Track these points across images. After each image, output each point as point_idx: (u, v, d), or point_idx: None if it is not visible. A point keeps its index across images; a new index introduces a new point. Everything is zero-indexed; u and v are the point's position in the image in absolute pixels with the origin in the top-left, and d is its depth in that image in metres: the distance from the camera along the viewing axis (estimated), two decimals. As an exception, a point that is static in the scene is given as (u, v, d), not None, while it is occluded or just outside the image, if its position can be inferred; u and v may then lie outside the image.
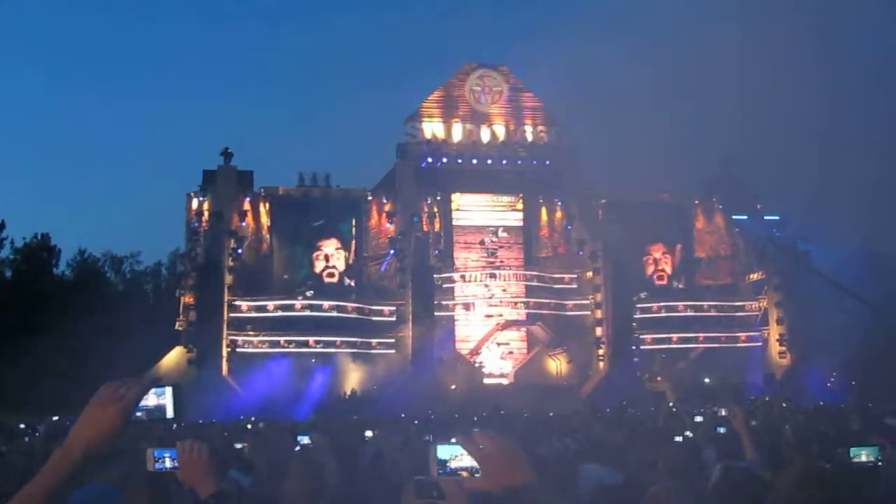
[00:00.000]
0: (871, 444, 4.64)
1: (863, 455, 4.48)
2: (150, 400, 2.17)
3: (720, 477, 4.23)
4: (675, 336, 42.40)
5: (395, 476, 5.37)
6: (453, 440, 2.24)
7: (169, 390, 2.22)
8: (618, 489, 4.21)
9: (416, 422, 19.22)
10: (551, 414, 20.14)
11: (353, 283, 41.78)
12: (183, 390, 2.27)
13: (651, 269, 44.48)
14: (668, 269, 44.81)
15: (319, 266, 41.59)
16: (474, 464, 2.18)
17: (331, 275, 41.53)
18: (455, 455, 2.23)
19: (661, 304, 42.93)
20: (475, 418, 22.09)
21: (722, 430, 8.38)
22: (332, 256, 41.73)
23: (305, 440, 7.93)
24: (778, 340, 42.12)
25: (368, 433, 11.23)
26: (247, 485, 5.44)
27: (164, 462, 3.36)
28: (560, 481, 4.24)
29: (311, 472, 4.70)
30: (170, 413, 2.22)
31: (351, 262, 42.08)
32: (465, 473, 2.21)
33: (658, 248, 44.55)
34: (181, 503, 3.47)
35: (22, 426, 16.18)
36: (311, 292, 39.40)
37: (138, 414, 2.10)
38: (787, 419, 12.83)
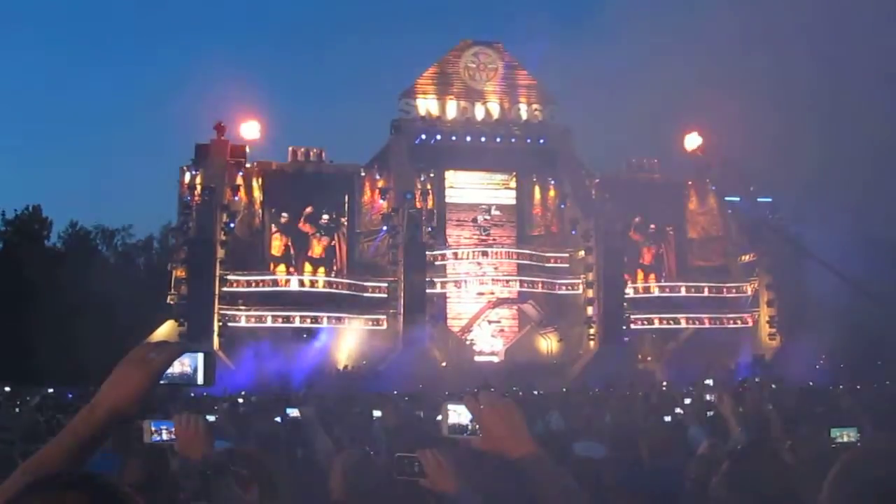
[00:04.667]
0: (851, 424, 4.72)
1: (844, 435, 4.56)
2: (176, 367, 2.14)
3: (705, 451, 4.32)
4: (665, 317, 42.64)
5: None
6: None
7: (200, 356, 2.21)
8: (598, 462, 4.28)
9: (406, 398, 19.33)
10: (540, 392, 20.26)
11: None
12: (213, 357, 2.25)
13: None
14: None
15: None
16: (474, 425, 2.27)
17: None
18: (459, 414, 2.33)
19: (653, 284, 43.14)
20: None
21: (710, 413, 8.45)
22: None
23: (294, 413, 7.93)
24: (768, 322, 42.29)
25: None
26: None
27: (161, 434, 3.38)
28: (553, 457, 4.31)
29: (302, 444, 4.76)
30: (200, 380, 2.21)
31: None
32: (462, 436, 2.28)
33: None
34: (177, 474, 3.50)
35: (7, 389, 16.09)
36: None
37: (162, 382, 2.08)
38: (773, 399, 12.95)
